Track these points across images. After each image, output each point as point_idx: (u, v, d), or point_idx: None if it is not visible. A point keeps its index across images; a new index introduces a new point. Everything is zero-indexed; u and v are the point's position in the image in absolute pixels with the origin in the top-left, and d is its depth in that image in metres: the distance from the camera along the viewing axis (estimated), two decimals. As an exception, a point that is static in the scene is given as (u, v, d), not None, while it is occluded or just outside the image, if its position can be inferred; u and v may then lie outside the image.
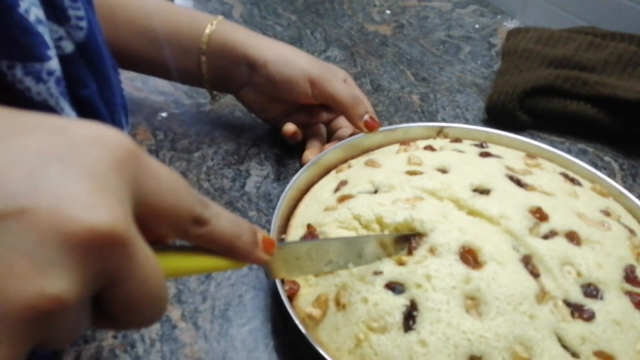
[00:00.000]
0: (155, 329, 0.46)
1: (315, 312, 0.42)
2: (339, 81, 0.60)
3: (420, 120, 0.74)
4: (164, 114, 0.70)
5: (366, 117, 0.60)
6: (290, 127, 0.62)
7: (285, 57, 0.60)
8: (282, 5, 1.03)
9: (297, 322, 0.40)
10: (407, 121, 0.74)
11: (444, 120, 0.75)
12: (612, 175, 0.66)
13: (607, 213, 0.50)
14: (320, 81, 0.59)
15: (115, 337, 0.45)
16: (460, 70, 0.86)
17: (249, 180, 0.63)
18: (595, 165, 0.67)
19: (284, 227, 0.52)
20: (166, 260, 0.27)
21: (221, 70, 0.62)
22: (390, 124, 0.73)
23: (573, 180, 0.54)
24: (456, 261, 0.42)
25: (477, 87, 0.82)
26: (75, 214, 0.19)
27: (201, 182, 0.61)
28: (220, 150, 0.66)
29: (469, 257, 0.42)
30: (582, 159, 0.65)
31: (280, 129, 0.63)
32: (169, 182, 0.25)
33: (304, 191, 0.56)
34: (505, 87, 0.72)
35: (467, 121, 0.75)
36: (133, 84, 0.76)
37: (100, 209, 0.20)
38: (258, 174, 0.63)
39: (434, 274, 0.41)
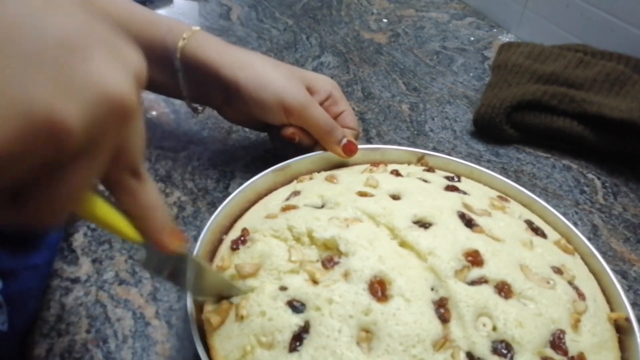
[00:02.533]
0: (128, 325, 0.47)
1: (214, 318, 0.41)
2: (313, 108, 0.57)
3: (407, 129, 0.73)
4: (153, 112, 0.72)
5: (344, 141, 0.58)
6: (289, 130, 0.59)
7: (259, 80, 0.56)
8: (280, 9, 1.04)
9: (192, 326, 0.40)
10: (394, 130, 0.73)
11: (431, 130, 0.74)
12: (594, 192, 0.66)
13: (559, 271, 0.46)
14: (295, 110, 0.57)
15: (88, 331, 0.46)
16: (452, 82, 0.84)
17: (233, 182, 0.63)
18: (578, 182, 0.67)
19: (229, 227, 0.52)
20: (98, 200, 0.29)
21: (198, 86, 0.59)
22: (378, 132, 0.72)
23: (537, 230, 0.51)
24: (363, 290, 0.40)
25: (468, 99, 0.81)
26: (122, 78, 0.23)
27: (185, 182, 0.63)
28: (207, 151, 0.67)
29: (378, 288, 0.40)
30: (565, 175, 0.67)
31: (276, 133, 0.61)
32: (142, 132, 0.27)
33: (263, 195, 0.56)
34: (493, 101, 0.72)
35: (454, 132, 0.74)
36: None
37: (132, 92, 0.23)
38: (242, 176, 0.64)
39: (336, 299, 0.40)
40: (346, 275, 0.42)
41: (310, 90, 0.59)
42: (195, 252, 0.45)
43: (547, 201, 0.64)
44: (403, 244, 0.44)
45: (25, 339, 0.45)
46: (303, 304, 0.40)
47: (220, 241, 0.50)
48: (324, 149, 0.59)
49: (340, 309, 0.39)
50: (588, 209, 0.65)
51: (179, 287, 0.43)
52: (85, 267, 0.51)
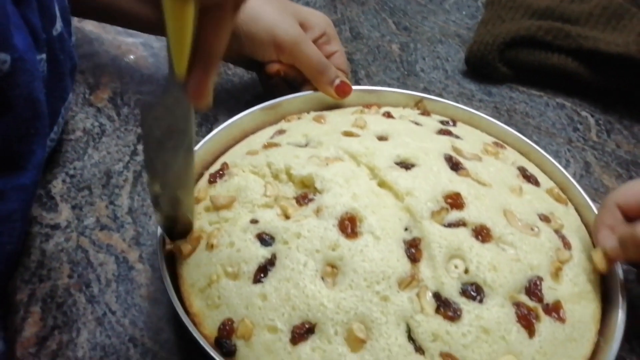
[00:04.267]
0: (111, 269, 0.46)
1: (185, 247, 0.41)
2: (306, 44, 0.55)
3: (397, 70, 0.70)
4: (131, 57, 0.69)
5: (337, 81, 0.55)
6: (274, 66, 0.57)
7: (251, 13, 0.53)
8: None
9: (159, 256, 0.40)
10: (384, 70, 0.70)
11: (422, 71, 0.71)
12: (587, 129, 0.65)
13: (546, 219, 0.44)
14: (286, 46, 0.54)
15: (70, 277, 0.45)
16: (443, 20, 0.81)
17: (216, 126, 0.61)
18: (572, 120, 0.66)
19: (212, 163, 0.51)
20: None
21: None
22: (367, 73, 0.70)
23: (529, 178, 0.48)
24: (333, 226, 0.39)
25: (460, 37, 0.77)
26: None
27: None
28: None
29: (348, 224, 0.39)
30: (558, 114, 0.65)
31: (261, 71, 0.60)
32: None
33: (250, 133, 0.55)
34: (486, 37, 0.69)
35: (445, 72, 0.71)
36: (100, 24, 0.71)
37: None
38: (226, 119, 0.62)
39: (305, 234, 0.39)
40: (318, 211, 0.41)
41: (303, 27, 0.57)
42: None
43: (540, 139, 0.62)
44: (382, 184, 0.43)
45: (6, 285, 0.45)
46: (272, 238, 0.40)
47: (201, 175, 0.49)
48: (314, 89, 0.57)
49: (307, 243, 0.39)
50: (581, 146, 0.63)
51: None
52: (65, 214, 0.50)
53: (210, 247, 0.41)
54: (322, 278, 0.37)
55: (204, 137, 0.51)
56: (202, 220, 0.43)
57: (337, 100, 0.57)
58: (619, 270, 0.43)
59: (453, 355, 0.35)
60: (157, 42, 0.71)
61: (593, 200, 0.49)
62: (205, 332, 0.37)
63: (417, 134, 0.50)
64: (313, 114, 0.55)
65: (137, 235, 0.49)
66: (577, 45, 0.67)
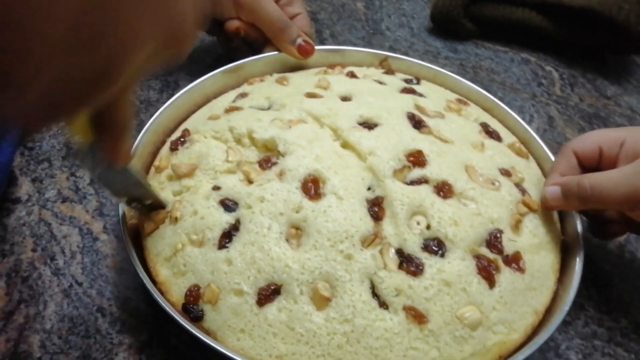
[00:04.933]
0: (75, 241, 0.45)
1: (148, 225, 0.41)
2: (266, 2, 0.54)
3: (362, 29, 0.70)
4: None
5: (299, 40, 0.54)
6: (234, 23, 0.55)
7: None
8: None
9: (122, 228, 0.40)
10: (349, 30, 0.70)
11: (388, 29, 0.71)
12: (551, 84, 0.66)
13: (507, 173, 0.45)
14: (246, 3, 0.53)
15: (34, 250, 0.45)
16: None
17: (177, 92, 0.60)
18: (536, 75, 0.67)
19: (174, 130, 0.50)
20: None
21: None
22: (331, 33, 0.69)
23: (491, 133, 0.49)
24: (296, 188, 0.39)
25: None
26: None
27: None
28: None
29: (312, 186, 0.39)
30: (523, 69, 0.66)
31: (222, 34, 0.58)
32: None
33: (212, 98, 0.54)
34: None
35: (411, 30, 0.71)
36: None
37: None
38: (187, 84, 0.60)
39: (268, 198, 0.39)
40: (281, 174, 0.40)
41: None
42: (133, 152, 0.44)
43: (504, 95, 0.63)
44: (345, 145, 0.43)
45: None
46: (236, 203, 0.40)
47: (163, 143, 0.48)
48: (276, 51, 0.56)
49: (271, 206, 0.39)
50: (545, 101, 0.64)
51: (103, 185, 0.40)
52: (25, 187, 0.49)
53: (175, 220, 0.40)
54: (287, 240, 0.38)
55: (164, 103, 0.50)
56: (165, 191, 0.43)
57: (300, 61, 0.56)
58: (577, 220, 0.44)
59: (416, 309, 0.36)
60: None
61: (555, 153, 0.50)
62: (172, 299, 0.38)
63: (381, 94, 0.49)
64: (276, 75, 0.54)
65: (100, 206, 0.48)
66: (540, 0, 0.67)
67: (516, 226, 0.41)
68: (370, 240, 0.37)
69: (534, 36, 0.69)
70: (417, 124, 0.46)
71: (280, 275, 0.36)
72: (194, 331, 0.34)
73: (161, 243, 0.40)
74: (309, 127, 0.44)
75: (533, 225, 0.42)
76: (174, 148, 0.46)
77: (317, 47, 0.56)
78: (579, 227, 0.43)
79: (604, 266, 0.48)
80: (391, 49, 0.68)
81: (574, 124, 0.62)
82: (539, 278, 0.40)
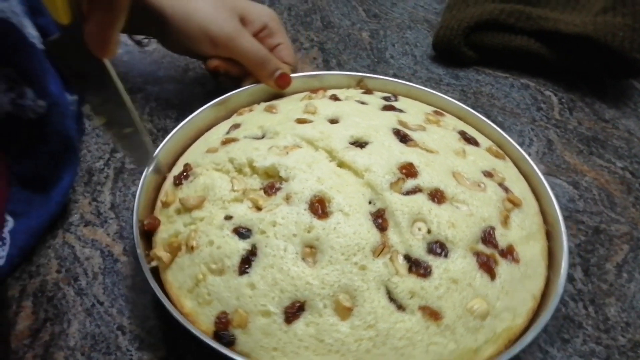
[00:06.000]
0: (97, 263, 0.48)
1: (165, 256, 0.43)
2: (242, 38, 0.56)
3: (368, 57, 0.73)
4: None
5: (277, 73, 0.57)
6: (213, 62, 0.58)
7: (185, 10, 0.54)
8: None
9: (143, 266, 0.41)
10: (355, 58, 0.73)
11: (392, 57, 0.74)
12: (550, 108, 0.69)
13: (489, 174, 0.49)
14: (221, 41, 0.55)
15: (58, 271, 0.47)
16: (412, 6, 0.84)
17: (169, 123, 0.62)
18: (535, 99, 0.70)
19: (173, 164, 0.52)
20: None
21: (131, 18, 0.58)
22: (338, 62, 0.72)
23: (469, 140, 0.53)
24: (305, 210, 0.42)
25: (429, 23, 0.81)
26: None
27: (144, 123, 0.61)
28: (164, 91, 0.66)
29: (318, 206, 0.42)
30: (523, 94, 0.69)
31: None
32: None
33: (204, 131, 0.56)
34: (451, 22, 0.72)
35: (414, 58, 0.74)
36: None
37: None
38: (177, 116, 0.63)
39: (279, 221, 0.42)
40: (287, 198, 0.43)
41: (243, 21, 0.58)
42: (137, 193, 0.46)
43: (505, 120, 0.67)
44: (341, 164, 0.46)
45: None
46: (249, 230, 0.42)
47: (164, 178, 0.50)
48: (256, 82, 0.59)
49: (284, 229, 0.41)
50: (544, 125, 0.66)
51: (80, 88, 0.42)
52: None
53: (191, 249, 0.42)
54: (303, 259, 0.40)
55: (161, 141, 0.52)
56: (176, 224, 0.45)
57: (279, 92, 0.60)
58: (557, 210, 0.48)
59: (430, 307, 0.39)
60: (130, 40, 0.71)
61: (553, 176, 0.52)
62: (202, 328, 0.39)
63: (365, 113, 0.53)
64: (263, 104, 0.57)
65: (120, 230, 0.51)
66: (538, 27, 0.70)
67: (505, 222, 0.45)
68: (380, 250, 0.40)
69: (533, 62, 0.72)
70: (403, 138, 0.49)
71: (302, 292, 0.39)
72: (230, 354, 0.36)
73: (181, 275, 0.42)
74: (305, 151, 0.47)
75: (519, 219, 0.46)
76: (178, 183, 0.48)
77: (298, 74, 0.60)
78: (560, 217, 0.48)
79: (601, 285, 0.50)
80: (395, 76, 0.72)
81: (573, 147, 0.64)
82: (532, 266, 0.44)
